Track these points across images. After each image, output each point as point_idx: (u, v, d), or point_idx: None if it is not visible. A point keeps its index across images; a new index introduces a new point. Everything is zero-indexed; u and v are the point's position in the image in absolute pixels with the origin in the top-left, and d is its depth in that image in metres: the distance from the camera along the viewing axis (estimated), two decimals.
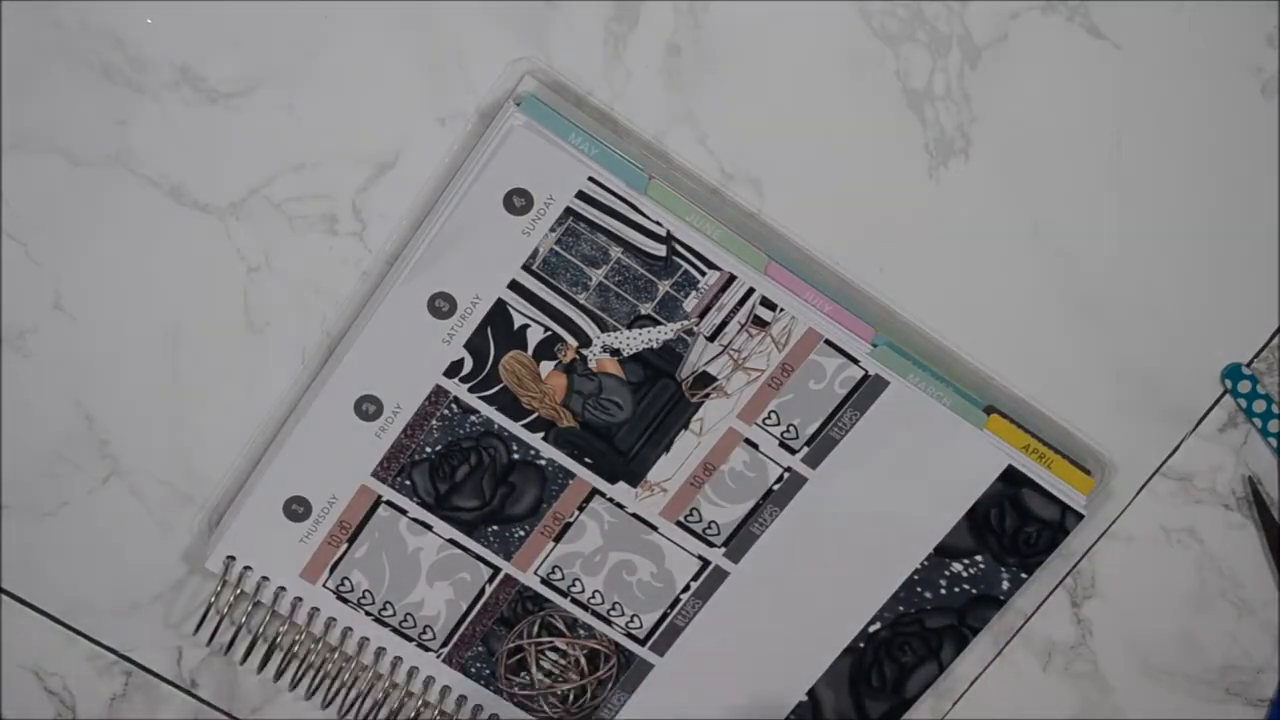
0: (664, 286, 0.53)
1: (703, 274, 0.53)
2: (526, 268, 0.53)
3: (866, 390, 0.55)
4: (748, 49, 0.52)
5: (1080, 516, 0.56)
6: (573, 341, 0.54)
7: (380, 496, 0.56)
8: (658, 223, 0.53)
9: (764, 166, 0.54)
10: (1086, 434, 0.56)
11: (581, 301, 0.54)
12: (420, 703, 0.59)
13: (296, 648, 0.58)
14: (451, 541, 0.57)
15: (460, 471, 0.56)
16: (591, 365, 0.54)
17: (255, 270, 0.54)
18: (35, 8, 0.51)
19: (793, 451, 0.56)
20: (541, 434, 0.55)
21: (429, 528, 0.57)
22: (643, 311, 0.54)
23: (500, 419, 0.55)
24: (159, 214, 0.53)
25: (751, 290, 0.53)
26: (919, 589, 0.57)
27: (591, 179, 0.52)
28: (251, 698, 0.60)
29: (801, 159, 0.54)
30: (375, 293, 0.54)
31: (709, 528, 0.57)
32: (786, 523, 0.56)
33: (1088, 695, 0.60)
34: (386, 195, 0.54)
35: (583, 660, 0.58)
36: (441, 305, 0.54)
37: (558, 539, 0.57)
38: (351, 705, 0.58)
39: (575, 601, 0.58)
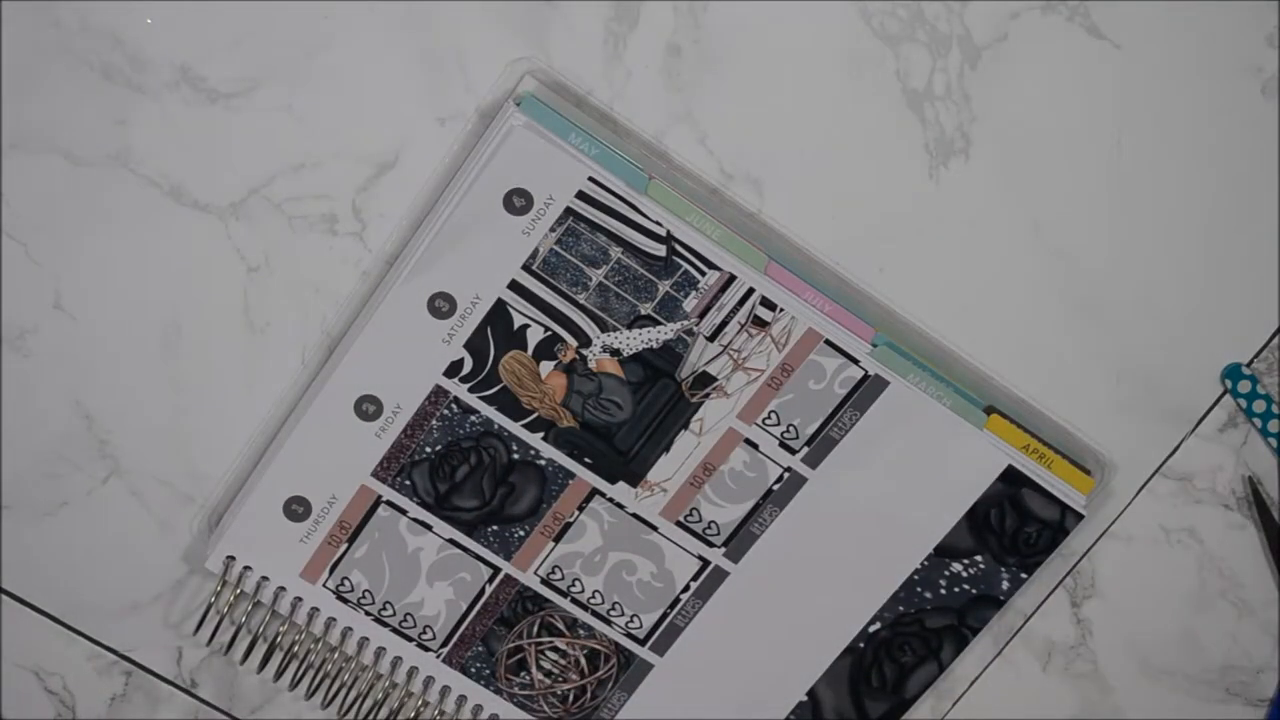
0: (664, 286, 0.53)
1: (702, 274, 0.53)
2: (526, 268, 0.53)
3: (866, 390, 0.55)
4: (748, 49, 0.52)
5: (1080, 516, 0.56)
6: (573, 341, 0.54)
7: (380, 496, 0.56)
8: (657, 223, 0.53)
9: (764, 166, 0.54)
10: (1086, 434, 0.56)
11: (581, 301, 0.54)
12: (420, 703, 0.59)
13: (296, 647, 0.58)
14: (451, 541, 0.57)
15: (460, 471, 0.56)
16: (591, 365, 0.54)
17: (255, 270, 0.54)
18: (35, 8, 0.51)
19: (793, 451, 0.56)
20: (541, 434, 0.55)
21: (429, 528, 0.57)
22: (643, 311, 0.54)
23: (500, 419, 0.55)
24: (159, 214, 0.53)
25: (751, 290, 0.53)
26: (919, 589, 0.57)
27: (591, 179, 0.52)
28: (251, 698, 0.60)
29: (801, 159, 0.54)
30: (375, 293, 0.54)
31: (709, 528, 0.57)
32: (787, 523, 0.56)
33: (1088, 695, 0.60)
34: (386, 195, 0.54)
35: (583, 660, 0.58)
36: (441, 305, 0.54)
37: (557, 539, 0.57)
38: (351, 705, 0.58)
39: (575, 601, 0.58)
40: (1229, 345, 0.56)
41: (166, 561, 0.58)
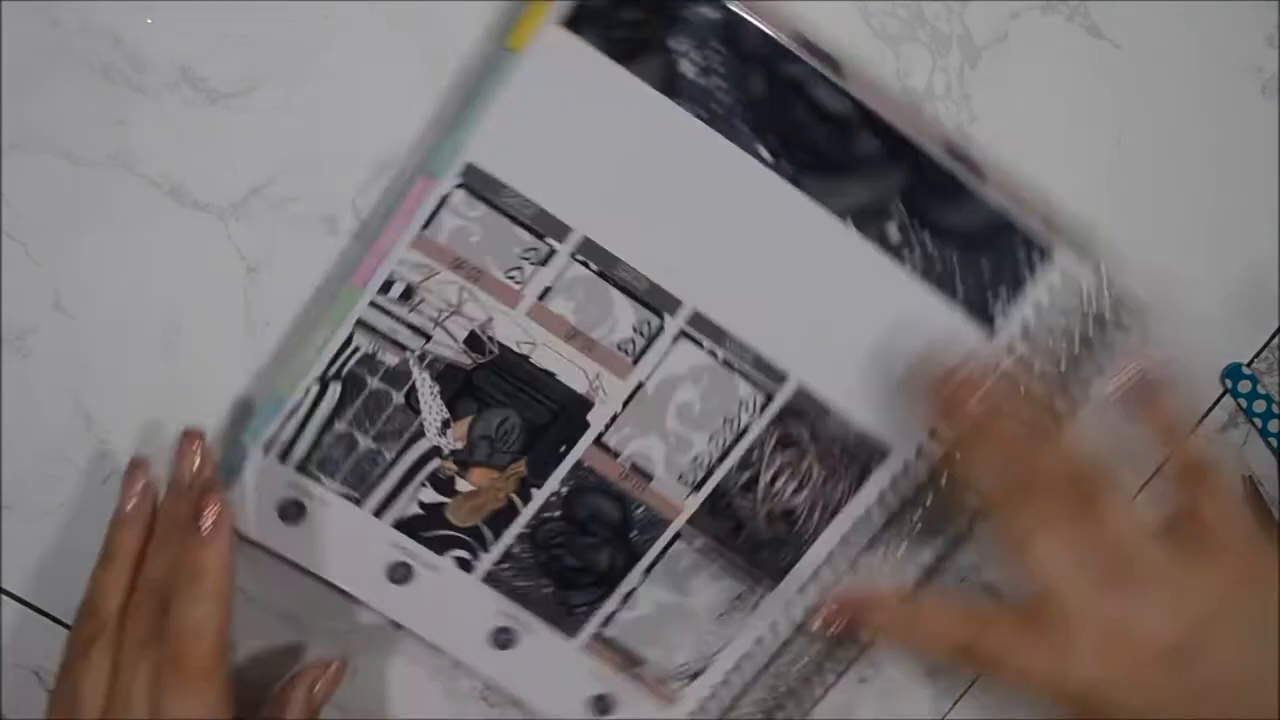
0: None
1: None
2: None
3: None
4: None
5: None
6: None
7: None
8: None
9: None
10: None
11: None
12: None
13: None
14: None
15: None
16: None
17: (255, 270, 0.54)
18: (35, 8, 0.51)
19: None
20: None
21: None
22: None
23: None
24: (159, 214, 0.53)
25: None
26: None
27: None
28: (254, 698, 0.60)
29: None
30: None
31: None
32: None
33: None
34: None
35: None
36: None
37: None
38: None
39: None
40: (1229, 345, 0.56)
41: None
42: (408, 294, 0.53)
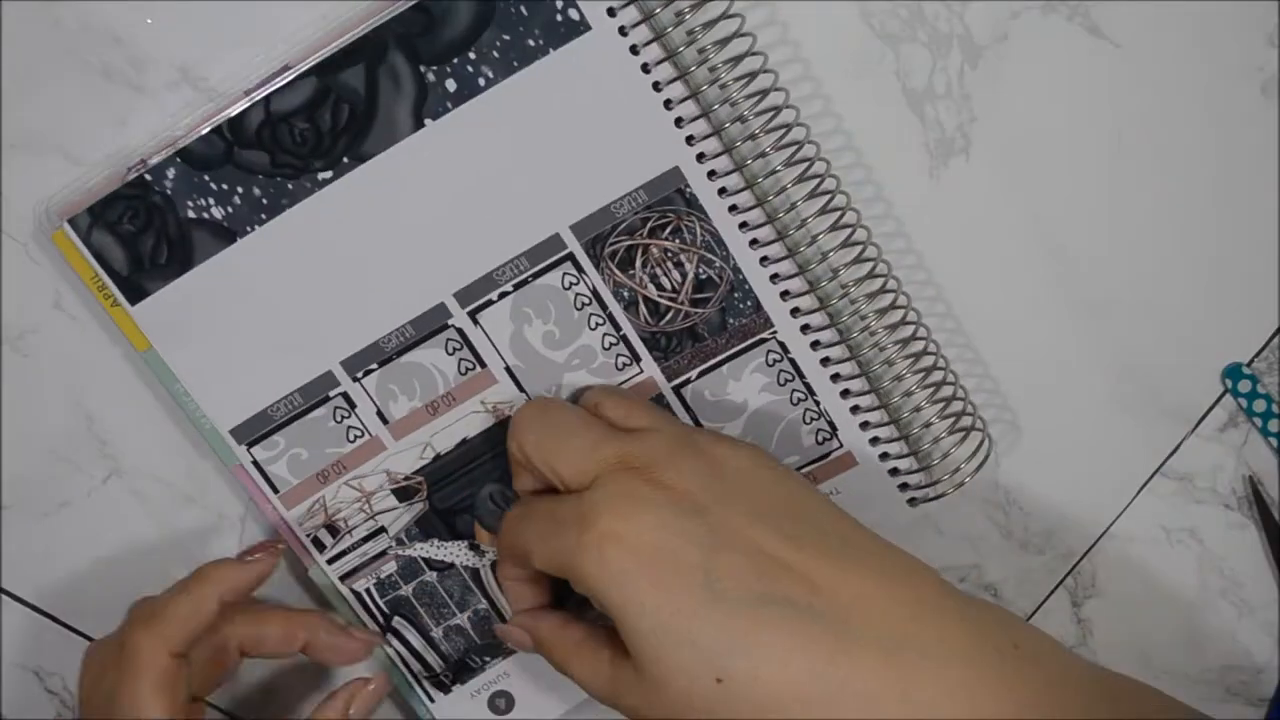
0: None
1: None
2: None
3: None
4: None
5: None
6: None
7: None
8: None
9: None
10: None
11: None
12: None
13: None
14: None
15: None
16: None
17: None
18: (35, 8, 0.51)
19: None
20: None
21: None
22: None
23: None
24: None
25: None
26: None
27: None
28: (254, 699, 0.60)
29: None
30: None
31: None
32: None
33: None
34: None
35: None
36: None
37: None
38: None
39: None
40: (1229, 345, 0.56)
41: (167, 562, 0.58)
42: (334, 531, 0.55)
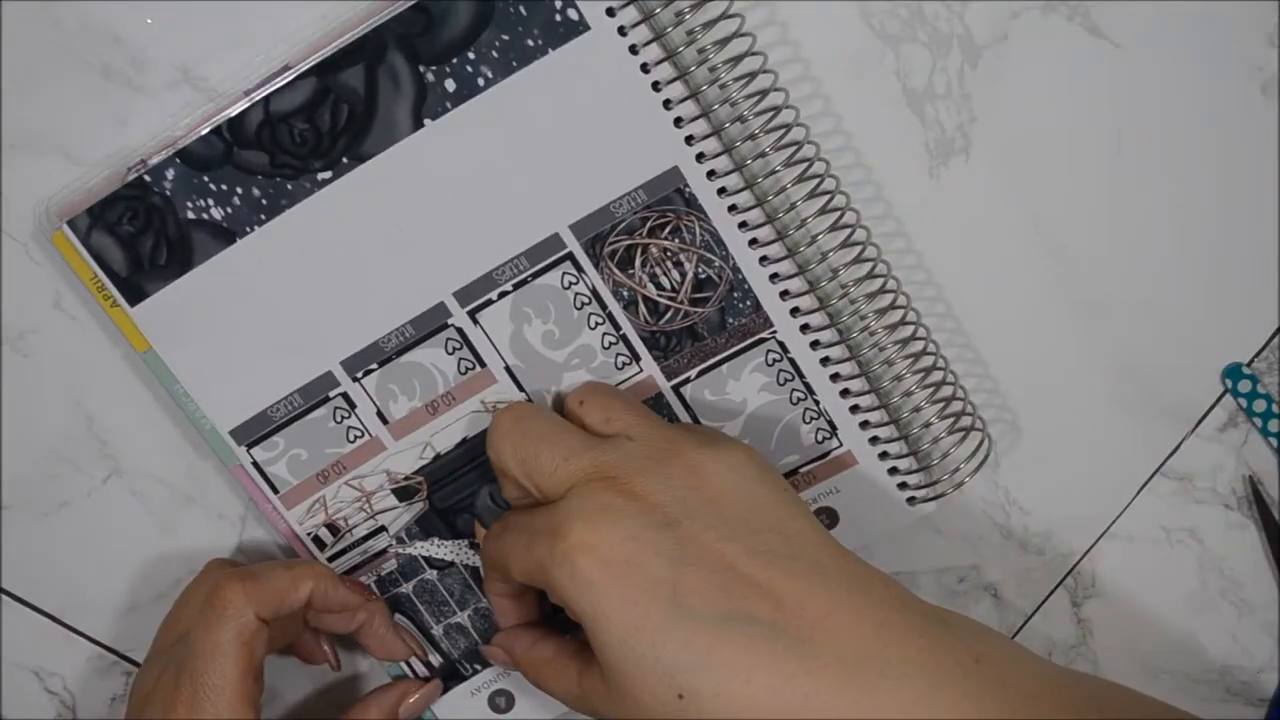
0: None
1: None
2: None
3: None
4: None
5: None
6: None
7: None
8: None
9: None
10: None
11: None
12: None
13: None
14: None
15: None
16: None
17: None
18: (35, 8, 0.51)
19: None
20: None
21: None
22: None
23: None
24: None
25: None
26: None
27: None
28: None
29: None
30: None
31: None
32: None
33: None
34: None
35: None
36: None
37: None
38: None
39: None
40: (1229, 345, 0.56)
41: (167, 561, 0.58)
42: (335, 530, 0.55)
